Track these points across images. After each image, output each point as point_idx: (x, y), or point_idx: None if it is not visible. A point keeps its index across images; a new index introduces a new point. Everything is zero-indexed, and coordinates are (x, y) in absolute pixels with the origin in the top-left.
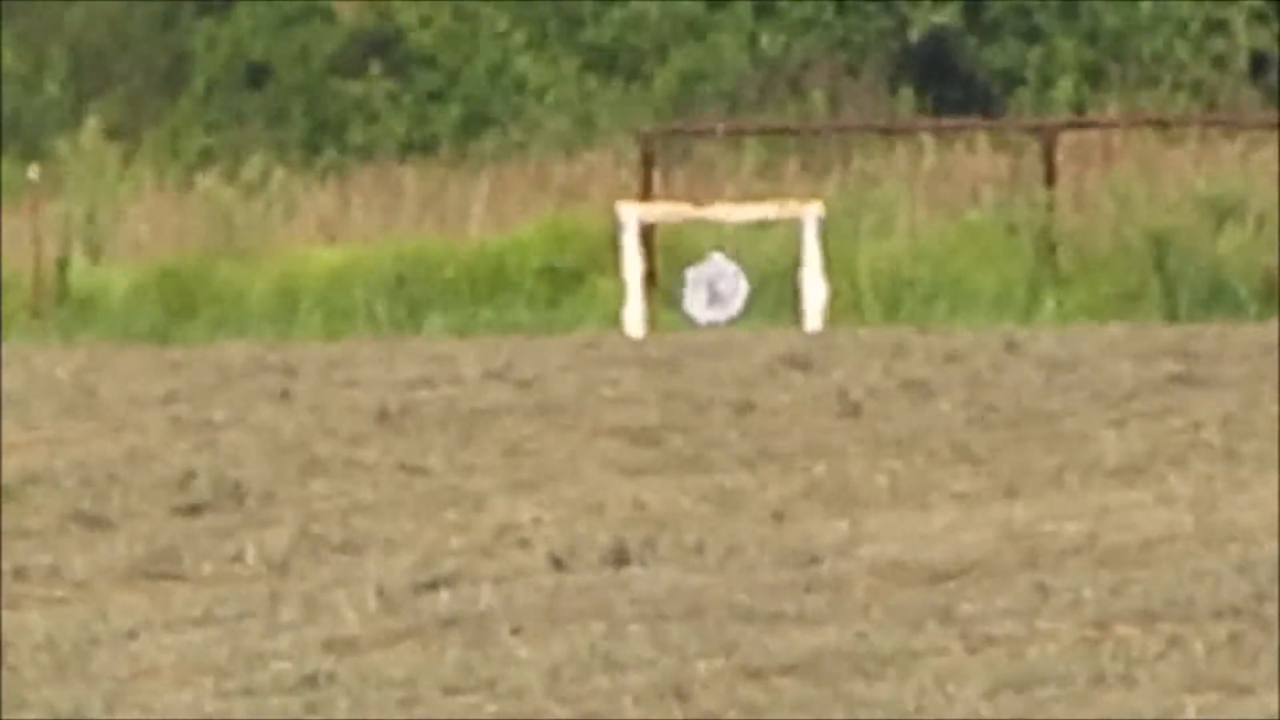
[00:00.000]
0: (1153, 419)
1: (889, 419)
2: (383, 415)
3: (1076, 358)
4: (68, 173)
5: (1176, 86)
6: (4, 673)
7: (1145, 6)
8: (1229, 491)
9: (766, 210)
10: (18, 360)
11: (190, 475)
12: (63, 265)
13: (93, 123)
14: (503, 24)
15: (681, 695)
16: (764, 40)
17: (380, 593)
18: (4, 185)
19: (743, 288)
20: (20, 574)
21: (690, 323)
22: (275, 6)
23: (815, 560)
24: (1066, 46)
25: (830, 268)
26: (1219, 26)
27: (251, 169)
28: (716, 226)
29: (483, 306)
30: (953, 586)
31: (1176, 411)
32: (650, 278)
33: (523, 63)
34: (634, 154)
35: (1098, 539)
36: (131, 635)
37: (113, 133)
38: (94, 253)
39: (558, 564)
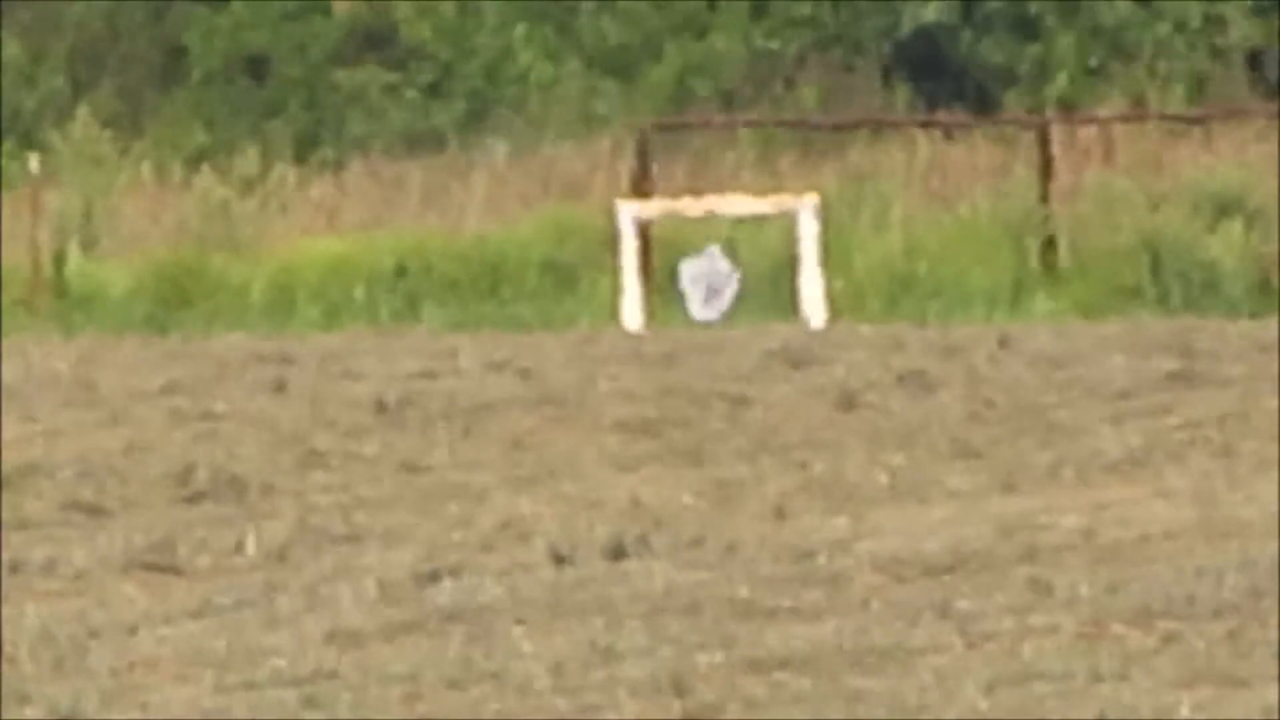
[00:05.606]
0: (1150, 415)
1: (887, 414)
2: (382, 408)
3: (1073, 353)
4: (64, 165)
5: (1174, 82)
6: (2, 666)
7: (1144, 2)
8: (1227, 488)
9: (762, 204)
10: (16, 352)
11: (189, 467)
12: (60, 257)
13: (84, 113)
14: (501, 19)
15: (680, 689)
16: (759, 36)
17: (381, 586)
18: (3, 177)
19: (733, 285)
20: (18, 567)
21: (685, 315)
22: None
23: (813, 555)
24: (1064, 42)
25: (827, 262)
26: (1217, 22)
27: (249, 162)
28: (713, 221)
29: (482, 300)
30: (950, 581)
31: (1174, 407)
32: (647, 272)
33: (523, 58)
34: (631, 149)
35: (1095, 535)
36: (130, 628)
37: (109, 125)
38: (90, 245)
39: (558, 558)
